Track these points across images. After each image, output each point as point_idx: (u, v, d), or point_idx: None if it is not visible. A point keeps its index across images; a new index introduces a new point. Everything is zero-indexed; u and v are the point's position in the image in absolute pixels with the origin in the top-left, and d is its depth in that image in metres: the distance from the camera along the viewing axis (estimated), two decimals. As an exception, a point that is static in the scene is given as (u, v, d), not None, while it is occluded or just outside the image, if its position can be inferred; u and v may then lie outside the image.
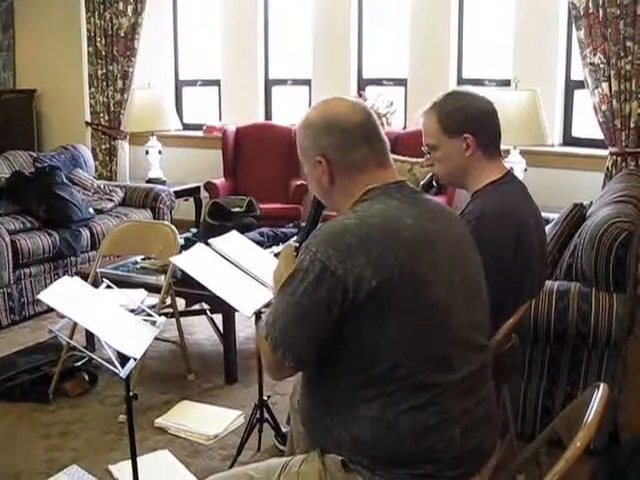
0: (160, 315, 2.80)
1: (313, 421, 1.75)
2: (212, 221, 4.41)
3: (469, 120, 2.22)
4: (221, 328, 3.90)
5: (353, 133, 1.72)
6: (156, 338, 2.72)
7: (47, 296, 2.46)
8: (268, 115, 6.91)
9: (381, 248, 1.56)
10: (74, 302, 2.50)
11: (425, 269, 1.60)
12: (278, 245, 4.18)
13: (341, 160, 1.72)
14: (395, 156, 4.84)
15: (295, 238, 4.26)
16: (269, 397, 3.12)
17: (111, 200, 5.73)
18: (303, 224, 4.74)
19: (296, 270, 1.61)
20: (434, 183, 2.40)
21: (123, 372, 2.33)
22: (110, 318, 2.52)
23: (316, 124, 1.76)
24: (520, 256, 2.16)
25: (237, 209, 4.62)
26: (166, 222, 4.66)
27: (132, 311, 2.71)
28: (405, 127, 6.12)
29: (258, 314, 2.85)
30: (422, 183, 2.45)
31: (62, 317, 2.56)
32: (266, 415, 3.04)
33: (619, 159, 4.94)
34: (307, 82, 6.64)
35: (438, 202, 1.83)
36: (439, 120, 2.22)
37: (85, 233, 5.14)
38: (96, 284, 3.38)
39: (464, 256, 1.74)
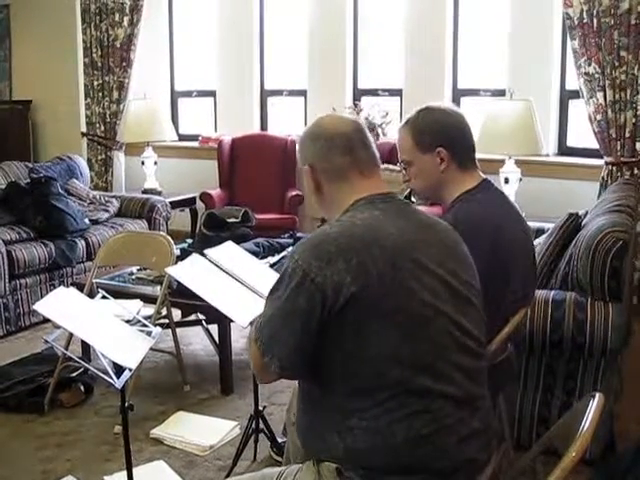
0: (156, 326, 2.80)
1: (308, 431, 1.76)
2: (208, 232, 4.39)
3: (441, 134, 2.26)
4: (217, 339, 3.90)
5: (334, 142, 1.82)
6: (152, 349, 2.72)
7: (43, 307, 2.45)
8: (264, 126, 6.92)
9: (361, 256, 1.60)
10: (70, 313, 2.49)
11: (407, 277, 1.62)
12: (273, 255, 4.18)
13: (323, 167, 1.82)
14: (390, 166, 4.83)
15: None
16: (265, 407, 3.11)
17: (107, 211, 5.73)
18: (299, 234, 4.74)
19: (281, 276, 1.67)
20: (412, 199, 2.42)
21: (119, 383, 2.32)
22: (106, 329, 2.51)
23: (305, 136, 1.90)
24: (498, 262, 2.15)
25: (233, 220, 4.61)
26: (162, 233, 4.67)
27: (128, 322, 2.71)
28: (401, 137, 6.11)
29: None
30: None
31: (58, 328, 2.56)
32: (262, 426, 3.04)
33: (614, 169, 4.95)
34: (303, 93, 6.65)
35: (427, 214, 1.85)
36: (413, 137, 2.27)
37: (81, 244, 5.14)
38: (92, 295, 3.38)
39: (453, 264, 1.75)
